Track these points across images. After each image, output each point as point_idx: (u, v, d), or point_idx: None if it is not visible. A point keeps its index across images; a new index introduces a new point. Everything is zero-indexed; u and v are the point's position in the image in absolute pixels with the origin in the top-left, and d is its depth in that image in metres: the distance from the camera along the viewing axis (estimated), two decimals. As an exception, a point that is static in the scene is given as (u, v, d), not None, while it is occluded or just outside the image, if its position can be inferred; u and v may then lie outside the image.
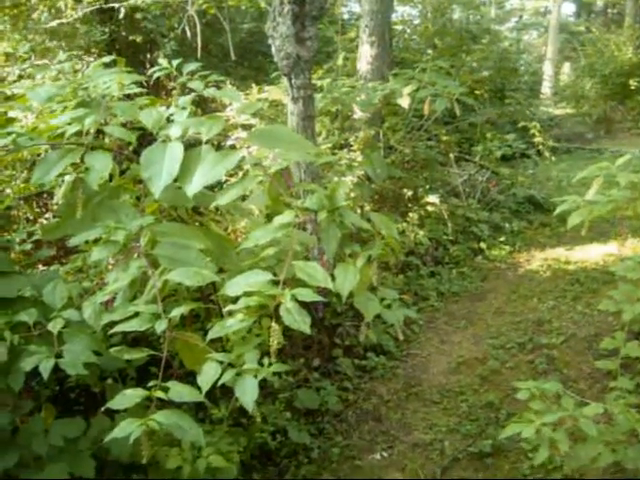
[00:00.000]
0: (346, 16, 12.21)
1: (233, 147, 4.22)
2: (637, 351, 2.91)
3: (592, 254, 6.46)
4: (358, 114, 5.68)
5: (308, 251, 3.52)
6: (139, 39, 7.99)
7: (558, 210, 2.33)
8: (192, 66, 2.57)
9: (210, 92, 2.38)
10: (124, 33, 8.14)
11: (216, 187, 3.57)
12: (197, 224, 2.91)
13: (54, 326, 2.25)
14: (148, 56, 8.16)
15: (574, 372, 4.25)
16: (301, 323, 1.85)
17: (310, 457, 3.43)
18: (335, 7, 10.38)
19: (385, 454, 3.60)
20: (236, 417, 3.24)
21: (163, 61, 2.63)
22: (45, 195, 4.97)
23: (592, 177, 2.32)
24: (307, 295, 1.89)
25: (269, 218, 2.34)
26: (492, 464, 3.42)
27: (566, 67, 19.37)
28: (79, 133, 2.47)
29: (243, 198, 2.66)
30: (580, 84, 15.32)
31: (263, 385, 2.16)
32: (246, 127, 5.01)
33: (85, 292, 2.57)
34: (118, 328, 2.09)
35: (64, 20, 6.94)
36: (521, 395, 2.61)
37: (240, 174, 4.27)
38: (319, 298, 1.90)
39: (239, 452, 2.97)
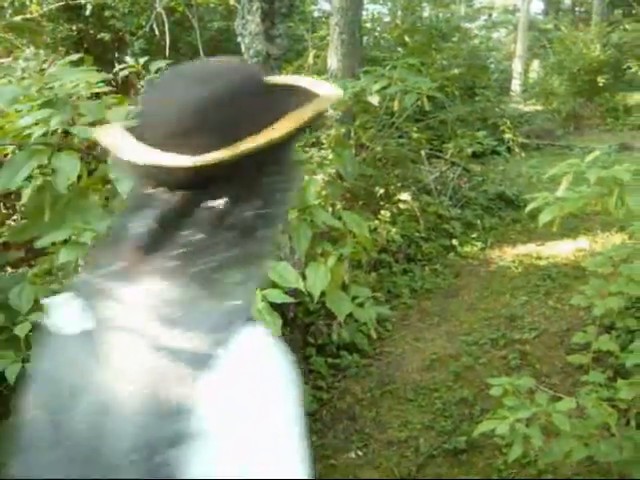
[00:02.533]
0: (317, 14, 12.21)
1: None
2: (608, 345, 2.94)
3: (563, 250, 6.52)
4: (329, 112, 5.67)
5: (280, 250, 3.50)
6: (107, 37, 7.92)
7: (529, 207, 2.34)
8: (159, 64, 2.53)
9: (178, 91, 2.35)
10: (92, 31, 8.06)
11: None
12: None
13: (21, 330, 2.21)
14: (117, 55, 8.08)
15: (546, 367, 4.28)
16: (272, 325, 1.84)
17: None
18: (305, 5, 10.37)
19: (360, 453, 3.59)
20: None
21: (130, 59, 2.59)
22: (13, 196, 4.89)
23: (562, 174, 2.34)
24: (277, 296, 1.87)
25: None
26: (467, 460, 3.43)
27: (535, 64, 19.55)
28: (46, 133, 2.42)
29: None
30: (549, 81, 15.49)
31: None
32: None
33: (53, 294, 2.52)
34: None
35: (29, 16, 6.84)
36: (494, 391, 2.62)
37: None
38: (289, 299, 1.89)
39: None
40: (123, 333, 0.95)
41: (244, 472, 0.89)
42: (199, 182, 0.95)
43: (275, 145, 0.96)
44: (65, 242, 2.30)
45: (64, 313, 1.02)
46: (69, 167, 2.29)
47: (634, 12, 15.26)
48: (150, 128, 0.97)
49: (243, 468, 0.89)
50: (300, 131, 1.00)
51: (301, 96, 1.03)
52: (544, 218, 2.18)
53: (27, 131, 2.44)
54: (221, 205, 0.96)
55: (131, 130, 0.99)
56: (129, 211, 1.02)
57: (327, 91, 1.04)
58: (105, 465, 0.93)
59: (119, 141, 0.97)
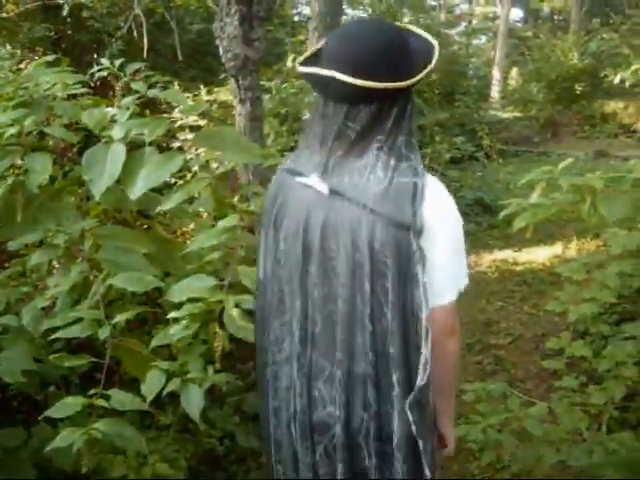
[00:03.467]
0: (296, 18, 12.21)
1: (180, 149, 4.16)
2: (582, 350, 2.96)
3: (539, 256, 6.57)
4: (307, 116, 5.68)
5: (256, 253, 3.48)
6: (86, 38, 7.86)
7: (503, 213, 2.35)
8: (135, 66, 2.52)
9: (152, 93, 2.33)
10: (70, 32, 8.00)
11: (165, 189, 3.51)
12: (145, 227, 2.86)
13: (-9, 332, 2.18)
14: (95, 56, 8.02)
15: (521, 372, 4.31)
16: (245, 331, 1.83)
17: (259, 462, 3.40)
18: (285, 9, 10.37)
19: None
20: (184, 423, 3.19)
21: (106, 61, 2.57)
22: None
23: (536, 180, 2.35)
24: (251, 302, 1.86)
25: (217, 220, 2.31)
26: (442, 465, 3.44)
27: (514, 72, 19.69)
28: (20, 134, 2.40)
29: (191, 201, 2.62)
30: (527, 88, 15.63)
31: (211, 389, 2.13)
32: (194, 129, 4.95)
33: (26, 297, 2.49)
34: (59, 334, 2.03)
35: (4, 15, 6.77)
36: (467, 397, 2.63)
37: (189, 176, 4.22)
38: (262, 305, 1.88)
39: (186, 458, 2.92)
40: (353, 192, 1.54)
41: (451, 257, 1.58)
42: (386, 97, 1.54)
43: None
44: (41, 244, 2.28)
45: (310, 181, 1.61)
46: (40, 166, 2.27)
47: (611, 21, 15.42)
48: (356, 66, 1.49)
49: (450, 254, 1.58)
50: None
51: (425, 42, 1.63)
52: (518, 224, 2.20)
53: (0, 130, 2.41)
54: (395, 112, 1.56)
55: (323, 65, 1.54)
56: (320, 118, 1.62)
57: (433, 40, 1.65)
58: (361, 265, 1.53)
59: (324, 71, 1.52)
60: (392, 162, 1.54)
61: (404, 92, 1.57)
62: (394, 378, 1.55)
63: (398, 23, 1.72)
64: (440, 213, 1.56)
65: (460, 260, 1.62)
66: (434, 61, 1.59)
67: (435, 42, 1.63)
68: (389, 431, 1.58)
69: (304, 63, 1.61)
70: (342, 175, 1.56)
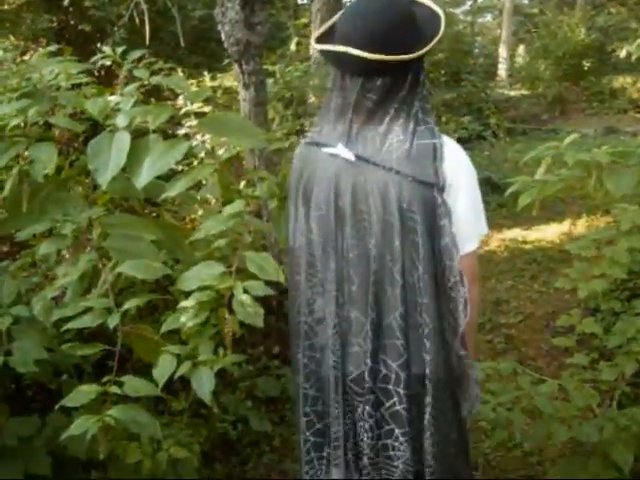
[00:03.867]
0: (299, 1, 12.14)
1: (186, 136, 4.16)
2: (592, 327, 2.96)
3: (548, 233, 6.55)
4: (312, 99, 5.66)
5: (265, 238, 3.49)
6: (88, 28, 7.85)
7: (509, 191, 2.34)
8: (137, 53, 2.51)
9: (155, 80, 2.33)
10: (73, 22, 7.99)
11: (171, 177, 3.52)
12: (152, 215, 2.87)
13: (2, 323, 2.19)
14: (99, 45, 8.01)
15: (532, 350, 4.31)
16: (254, 317, 1.83)
17: (272, 445, 3.43)
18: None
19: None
20: (196, 408, 3.22)
21: (108, 49, 2.56)
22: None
23: (543, 156, 2.34)
24: (259, 289, 1.87)
25: (225, 206, 2.31)
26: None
27: (521, 49, 19.53)
28: (25, 124, 2.40)
29: (198, 187, 2.62)
30: (535, 65, 15.51)
31: (223, 374, 2.14)
32: (199, 115, 4.94)
33: (35, 287, 2.51)
34: (70, 325, 2.05)
35: (6, 7, 6.76)
36: (477, 376, 2.63)
37: (195, 162, 4.22)
38: (270, 292, 1.89)
39: (200, 443, 2.95)
40: (378, 157, 1.67)
41: (471, 208, 1.72)
42: (399, 68, 1.65)
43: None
44: (48, 234, 2.29)
45: (336, 150, 1.72)
46: (46, 156, 2.27)
47: (618, -5, 15.28)
48: (369, 40, 1.60)
49: (471, 205, 1.71)
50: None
51: (431, 12, 1.73)
52: (523, 201, 2.19)
53: (4, 122, 2.42)
54: (408, 81, 1.67)
55: (337, 41, 1.67)
56: (338, 92, 1.72)
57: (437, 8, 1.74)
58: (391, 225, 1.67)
59: (338, 47, 1.64)
60: (411, 126, 1.66)
61: (416, 62, 1.67)
62: (427, 326, 1.68)
63: None
64: (458, 169, 1.69)
65: (479, 209, 1.76)
66: (441, 31, 1.68)
67: (440, 11, 1.73)
68: (421, 376, 1.71)
69: (319, 40, 1.72)
70: (365, 142, 1.69)
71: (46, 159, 2.25)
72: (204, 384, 1.94)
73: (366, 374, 1.73)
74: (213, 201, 3.46)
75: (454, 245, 1.67)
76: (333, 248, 1.76)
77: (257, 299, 1.91)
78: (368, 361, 1.72)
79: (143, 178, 2.14)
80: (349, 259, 1.74)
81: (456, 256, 1.67)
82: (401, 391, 1.71)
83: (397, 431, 1.73)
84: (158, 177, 2.26)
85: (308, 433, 1.89)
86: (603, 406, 2.70)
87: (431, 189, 1.64)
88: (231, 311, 1.88)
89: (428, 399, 1.71)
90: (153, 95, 5.72)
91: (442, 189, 1.65)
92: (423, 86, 1.71)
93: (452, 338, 1.73)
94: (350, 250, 1.73)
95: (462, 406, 1.84)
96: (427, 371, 1.70)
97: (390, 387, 1.72)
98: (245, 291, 1.87)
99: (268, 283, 1.95)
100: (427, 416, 1.72)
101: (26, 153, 2.45)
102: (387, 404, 1.73)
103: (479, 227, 1.76)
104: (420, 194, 1.64)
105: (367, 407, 1.75)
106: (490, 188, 7.99)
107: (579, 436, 2.41)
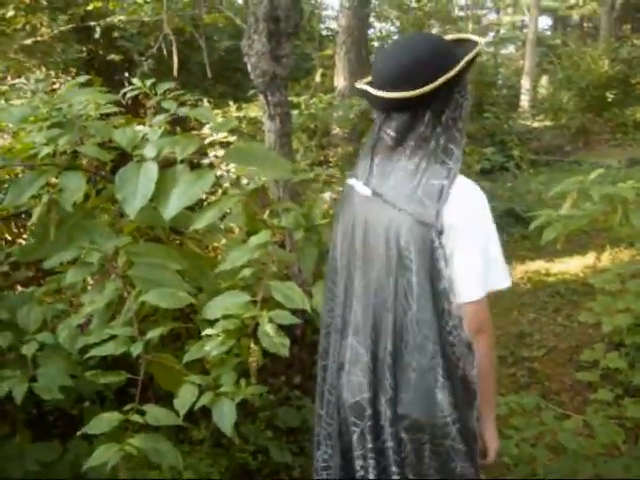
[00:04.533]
0: (324, 32, 12.28)
1: (211, 165, 4.20)
2: (616, 362, 2.93)
3: (572, 266, 6.50)
4: (336, 130, 5.70)
5: (288, 268, 3.50)
6: (117, 58, 7.99)
7: (533, 225, 2.34)
8: (166, 85, 2.55)
9: (183, 111, 2.37)
10: (102, 52, 8.14)
11: (196, 205, 3.55)
12: (176, 243, 2.89)
13: (28, 349, 2.22)
14: (127, 75, 8.15)
15: (555, 384, 4.25)
16: (279, 346, 1.84)
17: (292, 476, 3.40)
18: (313, 23, 10.44)
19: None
20: (217, 438, 3.21)
21: (137, 80, 2.61)
22: (23, 216, 4.92)
23: (568, 190, 2.34)
24: (285, 318, 1.88)
25: (249, 236, 2.33)
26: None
27: (544, 80, 19.55)
28: (55, 153, 2.45)
29: (223, 216, 2.64)
30: (558, 97, 15.49)
31: (243, 404, 2.14)
32: (224, 145, 5.00)
33: (61, 314, 2.53)
34: (94, 352, 2.06)
35: (39, 38, 6.92)
36: (500, 410, 2.60)
37: (220, 192, 4.26)
38: (297, 320, 1.90)
39: (220, 473, 2.94)
40: (389, 193, 1.70)
41: (478, 255, 1.65)
42: (417, 103, 1.65)
43: (457, 76, 1.64)
44: (73, 262, 2.32)
45: (357, 186, 1.80)
46: (74, 185, 2.31)
47: (642, 28, 15.27)
48: (386, 80, 1.66)
49: (478, 252, 1.65)
50: (469, 66, 1.67)
51: (467, 43, 1.72)
52: (547, 236, 2.18)
53: (35, 151, 2.46)
54: (427, 117, 1.67)
55: (371, 83, 1.71)
56: (375, 129, 1.75)
57: (479, 39, 1.72)
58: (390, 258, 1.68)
59: (359, 85, 1.73)
60: (424, 164, 1.66)
61: (438, 98, 1.66)
62: (413, 367, 1.66)
63: (449, 35, 1.82)
64: (465, 212, 1.65)
65: (490, 258, 1.69)
66: (467, 57, 1.65)
67: (478, 38, 1.72)
68: (403, 417, 1.69)
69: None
70: (382, 177, 1.73)
71: (75, 188, 2.29)
72: (225, 416, 1.95)
73: (364, 403, 1.74)
74: (237, 230, 3.48)
75: (451, 290, 1.65)
76: (346, 277, 1.83)
77: (282, 328, 1.92)
78: (365, 392, 1.74)
79: (171, 209, 2.17)
80: (354, 289, 1.79)
81: (454, 301, 1.66)
82: (387, 429, 1.71)
83: (389, 468, 1.73)
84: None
85: (318, 452, 1.94)
86: (629, 443, 2.66)
87: (430, 230, 1.62)
88: (256, 341, 1.89)
89: (407, 443, 1.71)
90: (178, 124, 5.80)
91: (441, 232, 1.63)
92: (447, 124, 1.69)
93: (454, 384, 1.69)
94: (356, 281, 1.78)
95: (455, 462, 1.73)
96: (405, 412, 1.68)
97: (382, 422, 1.72)
98: (270, 320, 1.88)
99: (294, 313, 1.96)
100: (408, 460, 1.72)
101: (54, 181, 2.50)
102: (380, 439, 1.74)
103: (489, 277, 1.69)
104: (419, 234, 1.63)
105: (364, 435, 1.76)
106: (513, 220, 7.96)
107: (604, 474, 2.37)
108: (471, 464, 1.74)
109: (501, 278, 1.72)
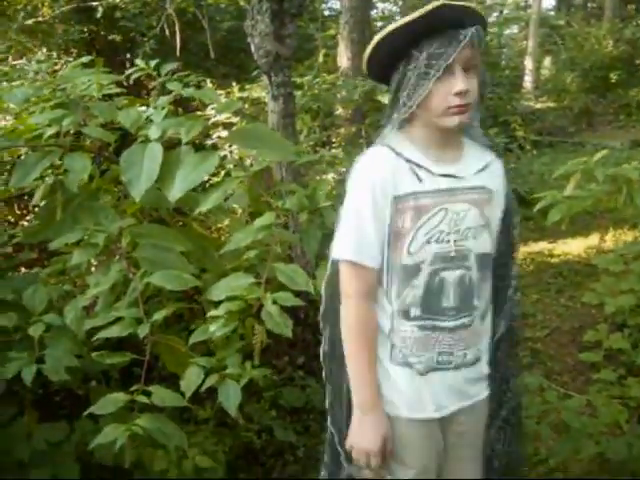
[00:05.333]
0: (327, 12, 12.21)
1: (214, 146, 4.19)
2: (620, 343, 2.94)
3: (575, 247, 6.50)
4: (339, 111, 5.68)
5: (291, 249, 3.51)
6: (119, 38, 7.94)
7: (538, 206, 2.34)
8: (170, 66, 2.54)
9: (188, 92, 2.36)
10: (103, 32, 8.09)
11: (199, 187, 3.55)
12: (180, 224, 2.89)
13: (34, 331, 2.23)
14: (128, 55, 8.11)
15: (558, 365, 4.27)
16: (283, 327, 1.85)
17: (296, 455, 3.43)
18: (315, 4, 10.37)
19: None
20: (221, 417, 3.23)
21: (140, 61, 2.60)
22: (26, 197, 4.92)
23: (572, 171, 2.34)
24: (288, 300, 1.89)
25: (252, 217, 2.34)
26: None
27: (547, 61, 19.41)
28: (59, 134, 2.44)
29: (226, 197, 2.64)
30: (561, 78, 15.41)
31: (248, 385, 2.16)
32: (227, 126, 4.98)
33: (67, 295, 2.54)
34: (100, 335, 2.08)
35: (40, 19, 6.87)
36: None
37: (222, 173, 4.25)
38: (300, 302, 1.90)
39: (225, 452, 2.96)
40: None
41: (343, 220, 1.73)
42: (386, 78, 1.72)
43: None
44: (78, 243, 2.32)
45: None
46: (80, 166, 2.31)
47: (647, 7, 15.17)
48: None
49: (344, 218, 1.73)
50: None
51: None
52: (552, 217, 2.18)
53: (39, 132, 2.46)
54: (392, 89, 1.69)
55: None
56: None
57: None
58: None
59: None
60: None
61: (396, 70, 1.65)
62: None
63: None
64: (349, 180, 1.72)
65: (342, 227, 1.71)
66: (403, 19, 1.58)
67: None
68: None
69: None
70: None
71: (80, 169, 2.29)
72: (230, 397, 1.96)
73: None
74: (239, 211, 3.48)
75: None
76: None
77: (285, 310, 1.93)
78: None
79: (176, 191, 2.16)
80: None
81: None
82: None
83: None
84: (187, 188, 2.28)
85: None
86: (631, 423, 2.67)
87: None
88: (260, 322, 1.90)
89: None
90: (181, 105, 5.78)
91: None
92: (396, 94, 1.66)
93: None
94: None
95: None
96: None
97: None
98: (274, 302, 1.89)
99: (297, 294, 1.96)
100: None
101: (58, 162, 2.50)
102: None
103: (336, 244, 1.72)
104: None
105: None
106: (516, 201, 7.92)
107: (607, 452, 2.39)
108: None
109: (338, 249, 1.71)
